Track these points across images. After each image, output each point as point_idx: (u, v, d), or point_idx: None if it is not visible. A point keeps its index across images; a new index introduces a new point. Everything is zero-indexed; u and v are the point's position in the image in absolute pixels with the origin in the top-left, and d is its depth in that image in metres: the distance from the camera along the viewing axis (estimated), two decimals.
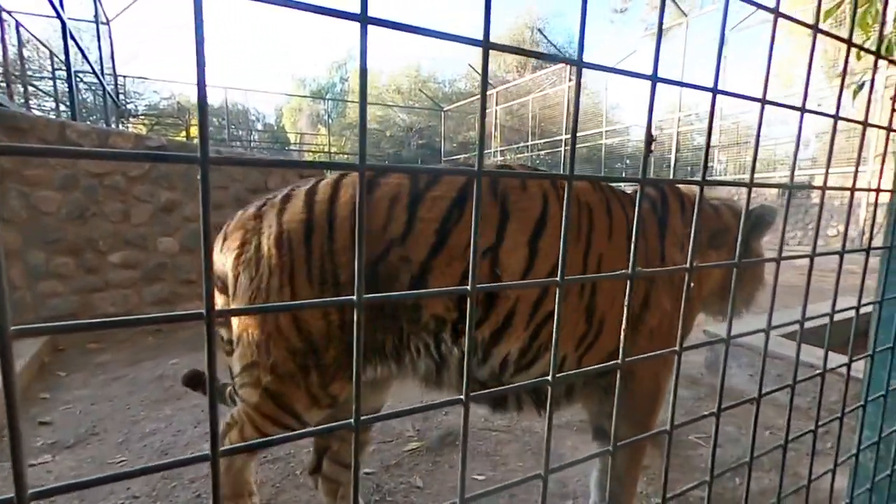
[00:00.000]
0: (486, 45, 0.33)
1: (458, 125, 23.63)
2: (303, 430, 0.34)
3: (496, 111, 19.91)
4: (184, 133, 20.93)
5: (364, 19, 0.29)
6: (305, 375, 1.41)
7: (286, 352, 1.38)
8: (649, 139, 0.42)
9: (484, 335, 1.43)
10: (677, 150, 14.13)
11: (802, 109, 0.55)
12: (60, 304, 4.17)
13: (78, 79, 9.43)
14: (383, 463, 2.38)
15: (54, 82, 9.03)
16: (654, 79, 0.41)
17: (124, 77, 15.94)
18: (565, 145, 16.43)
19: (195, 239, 4.67)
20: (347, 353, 1.40)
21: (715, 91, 0.46)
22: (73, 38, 6.60)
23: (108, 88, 10.27)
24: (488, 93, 20.40)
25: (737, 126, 14.11)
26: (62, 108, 9.17)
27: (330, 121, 25.55)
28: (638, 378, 1.60)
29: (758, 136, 0.51)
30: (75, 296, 4.23)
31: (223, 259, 1.49)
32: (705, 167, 0.47)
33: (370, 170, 0.30)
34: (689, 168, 16.15)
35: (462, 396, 0.37)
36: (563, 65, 18.30)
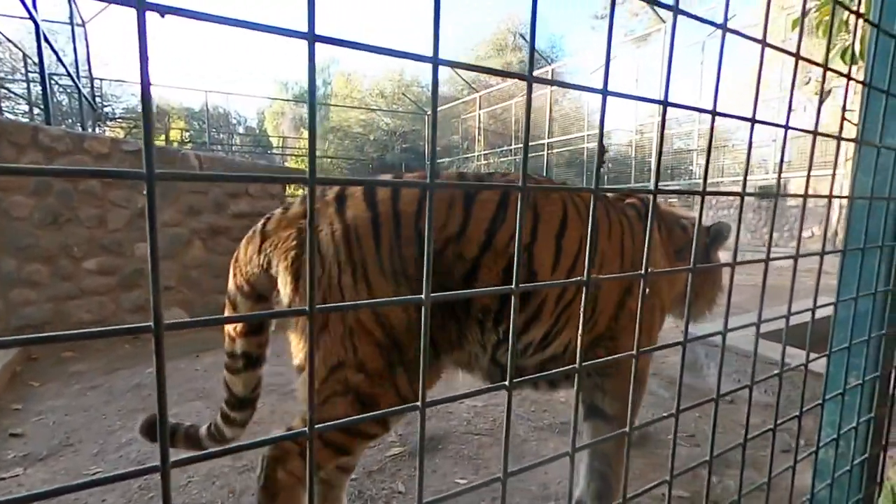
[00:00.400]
0: (436, 62, 0.34)
1: (443, 129, 23.64)
2: (246, 443, 0.34)
3: (479, 115, 19.99)
4: (163, 137, 20.60)
5: (312, 38, 0.30)
6: (393, 374, 1.41)
7: (373, 346, 1.38)
8: (601, 151, 0.43)
9: (517, 325, 1.54)
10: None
11: (753, 120, 0.57)
12: (34, 312, 4.06)
13: (53, 81, 9.22)
14: (365, 468, 2.37)
15: (28, 85, 8.82)
16: (605, 93, 0.43)
17: (101, 80, 15.62)
18: (549, 149, 16.55)
19: (175, 244, 4.60)
20: (432, 348, 1.45)
21: (665, 104, 0.47)
22: (46, 40, 6.47)
23: (84, 91, 10.06)
24: (471, 97, 20.51)
25: (714, 130, 14.39)
26: (36, 111, 8.96)
27: None
28: (626, 359, 1.76)
29: (709, 146, 0.53)
30: (49, 304, 4.13)
31: (261, 261, 1.46)
32: (657, 176, 0.49)
33: (320, 184, 0.31)
34: (669, 171, 16.43)
35: (419, 403, 0.38)
36: (546, 69, 18.48)
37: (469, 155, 20.69)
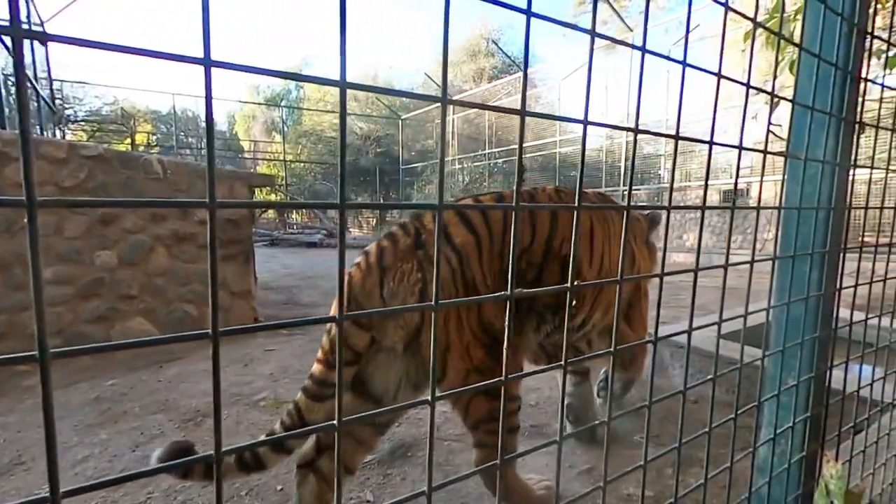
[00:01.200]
0: (343, 85, 0.34)
1: (416, 133, 23.68)
2: (155, 466, 0.34)
3: (453, 120, 20.09)
4: (128, 140, 20.03)
5: (208, 63, 0.30)
6: (498, 362, 1.65)
7: (483, 350, 1.65)
8: (521, 170, 0.45)
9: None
10: (627, 159, 14.68)
11: (676, 137, 0.60)
12: None
13: (10, 83, 8.84)
14: None
15: None
16: (524, 113, 0.44)
17: (62, 81, 15.09)
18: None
19: (136, 252, 4.47)
20: (517, 332, 1.80)
21: (585, 123, 0.49)
22: (1, 40, 6.22)
23: (44, 93, 9.70)
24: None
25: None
26: None
27: (285, 128, 25.03)
28: (635, 319, 2.38)
29: (633, 162, 0.55)
30: (2, 315, 3.95)
31: (383, 293, 1.60)
32: (580, 194, 0.50)
33: (220, 207, 0.31)
34: (639, 175, 16.83)
35: (335, 422, 0.38)
36: (518, 75, 18.70)
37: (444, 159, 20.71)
